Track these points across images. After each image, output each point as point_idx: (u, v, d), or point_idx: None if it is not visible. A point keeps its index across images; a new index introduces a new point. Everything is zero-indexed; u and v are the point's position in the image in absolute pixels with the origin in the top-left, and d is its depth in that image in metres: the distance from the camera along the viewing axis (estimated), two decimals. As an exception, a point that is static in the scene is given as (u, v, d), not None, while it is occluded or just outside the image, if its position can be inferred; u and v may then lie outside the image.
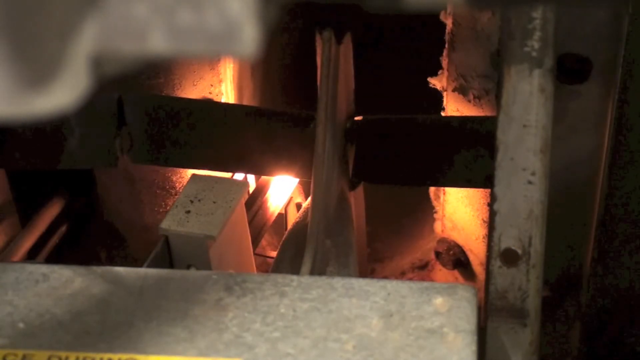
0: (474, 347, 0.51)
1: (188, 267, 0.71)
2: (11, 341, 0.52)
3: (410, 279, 1.00)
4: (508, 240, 0.57)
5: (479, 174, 0.73)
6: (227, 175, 0.81)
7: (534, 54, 0.53)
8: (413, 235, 1.06)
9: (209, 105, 0.82)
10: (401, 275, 1.01)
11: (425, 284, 0.55)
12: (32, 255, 0.89)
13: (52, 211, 0.93)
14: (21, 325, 0.53)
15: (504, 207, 0.56)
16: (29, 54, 0.28)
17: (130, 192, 0.92)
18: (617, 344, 0.85)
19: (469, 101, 0.81)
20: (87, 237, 0.99)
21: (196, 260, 0.71)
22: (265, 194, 0.82)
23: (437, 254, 0.93)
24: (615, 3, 0.68)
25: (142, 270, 0.58)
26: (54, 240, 0.94)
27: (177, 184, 0.90)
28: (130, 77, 0.83)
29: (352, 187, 0.76)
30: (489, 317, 0.58)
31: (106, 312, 0.54)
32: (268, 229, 0.84)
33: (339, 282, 0.55)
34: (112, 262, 0.97)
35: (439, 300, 0.54)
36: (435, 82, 0.83)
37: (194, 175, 0.75)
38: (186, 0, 0.29)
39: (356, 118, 0.76)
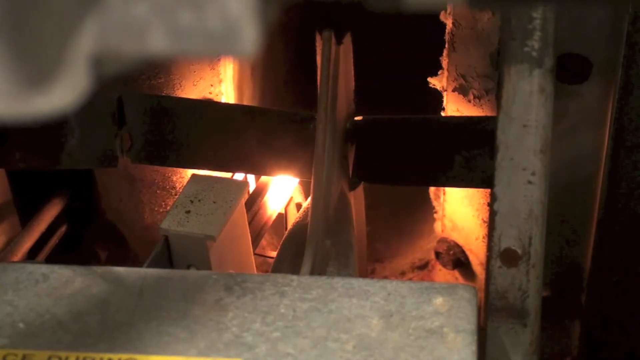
0: (474, 347, 0.51)
1: (188, 267, 0.71)
2: (11, 341, 0.52)
3: (410, 279, 1.00)
4: (508, 240, 0.57)
5: (479, 174, 0.73)
6: (227, 175, 0.81)
7: (534, 54, 0.53)
8: (413, 235, 1.06)
9: (209, 105, 0.82)
10: (401, 275, 1.01)
11: (425, 284, 0.55)
12: (32, 255, 0.89)
13: (52, 211, 0.93)
14: (21, 325, 0.53)
15: (504, 207, 0.56)
16: (29, 54, 0.28)
17: (130, 192, 0.92)
18: (617, 344, 0.85)
19: (469, 101, 0.81)
20: (87, 237, 0.99)
21: (196, 260, 0.71)
22: (265, 194, 0.82)
23: (437, 254, 0.93)
24: (615, 3, 0.68)
25: (142, 270, 0.58)
26: (54, 240, 0.93)
27: (177, 184, 0.90)
28: (130, 77, 0.83)
29: (352, 187, 0.76)
30: (489, 317, 0.58)
31: (106, 312, 0.54)
32: (268, 229, 0.84)
33: (339, 282, 0.55)
34: (112, 262, 0.97)
35: (439, 300, 0.54)
36: (435, 82, 0.83)
37: (194, 175, 0.75)
38: (186, 0, 0.29)
39: (356, 118, 0.76)
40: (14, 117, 0.29)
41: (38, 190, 0.94)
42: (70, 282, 0.56)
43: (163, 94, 0.84)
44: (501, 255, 0.57)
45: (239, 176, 0.83)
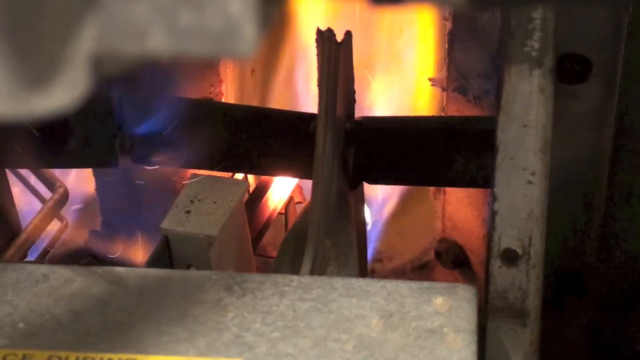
0: (474, 347, 0.51)
1: (188, 267, 0.71)
2: (11, 341, 0.52)
3: (410, 279, 1.00)
4: (508, 240, 0.57)
5: (479, 174, 0.73)
6: (227, 175, 0.81)
7: (534, 54, 0.53)
8: (413, 235, 1.05)
9: (209, 105, 0.82)
10: (401, 275, 1.01)
11: (425, 284, 0.55)
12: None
13: (52, 211, 0.92)
14: (21, 325, 0.53)
15: (504, 207, 0.56)
16: (29, 54, 0.28)
17: (130, 192, 0.92)
18: (618, 343, 0.85)
19: (469, 101, 0.81)
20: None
21: (196, 260, 0.71)
22: (265, 194, 0.82)
23: (437, 254, 0.93)
24: (615, 3, 0.68)
25: (142, 270, 0.58)
26: (54, 240, 0.93)
27: (177, 184, 0.90)
28: (130, 77, 0.83)
29: (352, 187, 0.76)
30: (489, 317, 0.58)
31: (106, 312, 0.54)
32: (268, 229, 0.84)
33: (339, 282, 0.55)
34: (112, 262, 0.97)
35: (439, 300, 0.54)
36: (435, 82, 0.83)
37: (194, 175, 0.75)
38: (186, 0, 0.29)
39: (356, 118, 0.76)
40: (14, 117, 0.29)
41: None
42: (70, 282, 0.56)
43: (163, 94, 0.84)
44: (501, 255, 0.57)
45: (239, 176, 0.83)
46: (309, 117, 0.75)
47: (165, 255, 0.71)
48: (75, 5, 0.29)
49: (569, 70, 0.72)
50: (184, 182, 0.86)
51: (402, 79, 0.90)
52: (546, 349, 0.62)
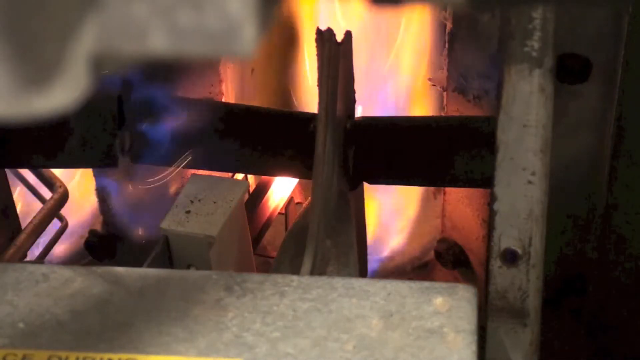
0: (474, 347, 0.51)
1: (188, 267, 0.71)
2: (11, 341, 0.52)
3: (410, 279, 1.00)
4: (508, 240, 0.57)
5: (479, 174, 0.73)
6: (227, 175, 0.81)
7: (534, 54, 0.53)
8: (413, 235, 1.05)
9: (209, 105, 0.82)
10: (401, 275, 1.01)
11: (425, 284, 0.55)
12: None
13: (52, 210, 0.93)
14: (21, 325, 0.53)
15: (504, 207, 0.56)
16: (29, 54, 0.28)
17: (130, 192, 0.92)
18: (618, 343, 0.85)
19: (469, 101, 0.81)
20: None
21: (196, 260, 0.71)
22: (265, 194, 0.82)
23: (437, 254, 0.93)
24: (615, 3, 0.68)
25: (142, 270, 0.58)
26: (54, 240, 0.93)
27: (177, 184, 0.90)
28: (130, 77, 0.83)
29: (352, 187, 0.76)
30: (489, 317, 0.58)
31: (106, 312, 0.54)
32: (268, 229, 0.84)
33: (339, 282, 0.55)
34: (112, 262, 0.97)
35: (439, 300, 0.54)
36: (435, 82, 0.83)
37: (194, 175, 0.75)
38: (186, 0, 0.29)
39: (356, 118, 0.76)
40: (14, 117, 0.29)
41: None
42: (70, 282, 0.56)
43: (163, 94, 0.84)
44: (501, 255, 0.57)
45: (239, 176, 0.83)
46: (309, 117, 0.75)
47: (165, 255, 0.71)
48: (75, 5, 0.29)
49: (569, 70, 0.72)
50: (183, 182, 0.86)
51: (402, 79, 0.90)
52: (546, 349, 0.62)
